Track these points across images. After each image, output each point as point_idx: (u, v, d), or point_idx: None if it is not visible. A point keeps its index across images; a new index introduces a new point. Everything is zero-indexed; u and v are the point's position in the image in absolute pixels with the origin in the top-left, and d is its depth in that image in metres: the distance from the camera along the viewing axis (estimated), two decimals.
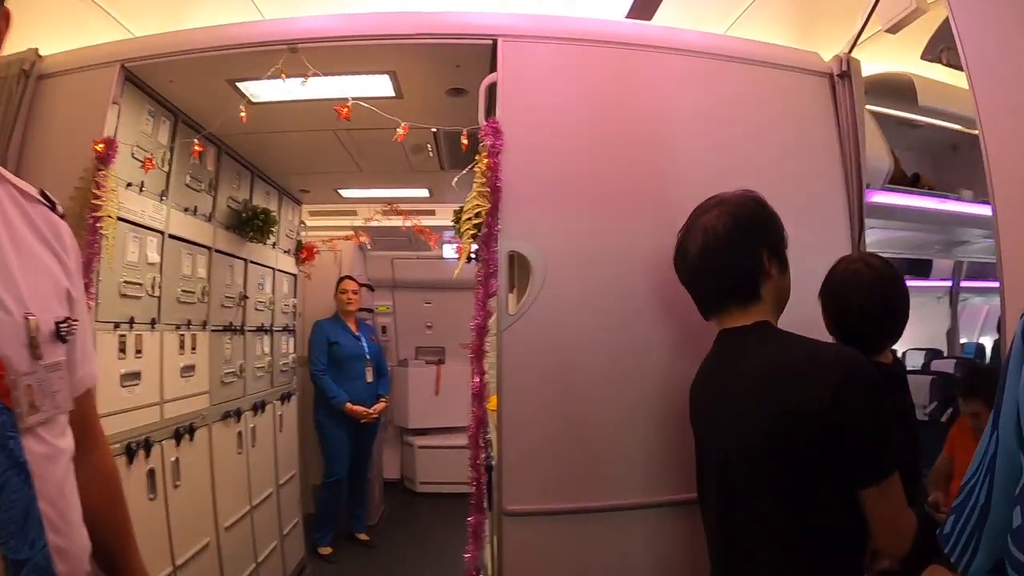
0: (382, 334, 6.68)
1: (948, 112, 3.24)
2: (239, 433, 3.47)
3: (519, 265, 2.16)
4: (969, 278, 6.65)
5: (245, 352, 3.61)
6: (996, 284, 1.61)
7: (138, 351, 2.56)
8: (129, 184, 2.50)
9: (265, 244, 3.82)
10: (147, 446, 2.57)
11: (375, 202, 4.70)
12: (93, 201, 2.25)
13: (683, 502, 2.06)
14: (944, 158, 3.79)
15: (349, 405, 4.64)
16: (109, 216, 2.28)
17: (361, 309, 5.77)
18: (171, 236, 2.80)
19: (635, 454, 2.11)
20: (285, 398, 4.23)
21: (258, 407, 3.74)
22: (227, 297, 3.37)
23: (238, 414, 3.44)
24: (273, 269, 4.07)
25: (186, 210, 2.93)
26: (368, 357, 4.89)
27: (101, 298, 2.36)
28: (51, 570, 0.99)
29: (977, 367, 3.22)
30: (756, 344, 1.49)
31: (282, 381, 4.23)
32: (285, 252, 4.27)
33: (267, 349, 3.98)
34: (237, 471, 3.47)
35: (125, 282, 2.49)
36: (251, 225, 3.47)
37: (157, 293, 2.70)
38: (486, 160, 2.04)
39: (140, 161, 2.54)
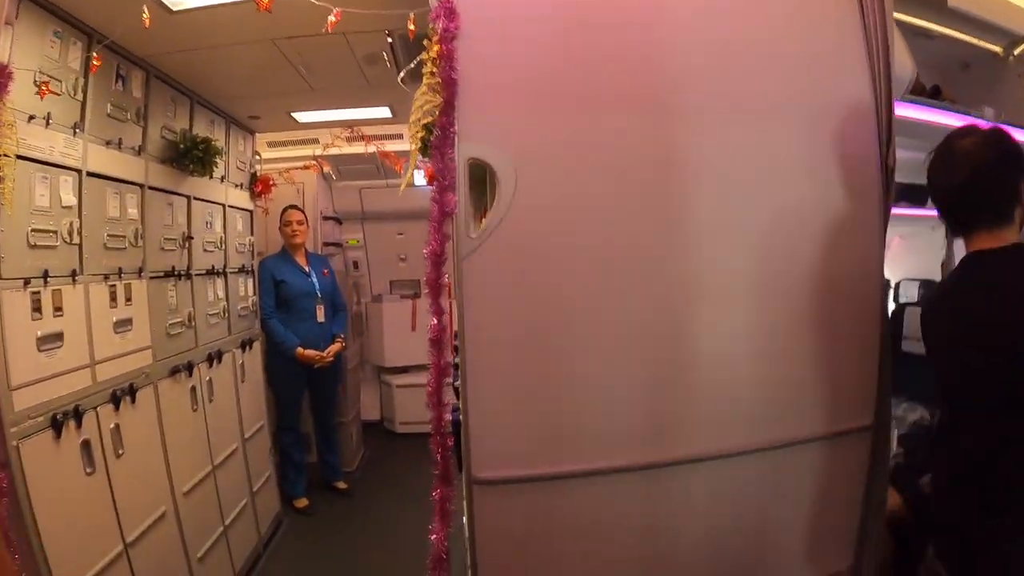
0: (354, 269, 6.33)
1: (978, 18, 2.88)
2: (192, 388, 3.15)
3: (482, 177, 1.82)
4: None
5: (194, 299, 3.25)
6: None
7: (57, 309, 2.20)
8: (32, 117, 2.10)
9: (211, 178, 3.42)
10: (77, 415, 2.25)
11: (335, 125, 4.26)
12: None
13: (674, 462, 1.85)
14: (954, 75, 3.46)
15: (300, 350, 4.29)
16: (5, 155, 1.90)
17: (328, 243, 5.42)
18: (90, 174, 2.40)
19: (622, 407, 1.82)
20: (246, 345, 3.89)
21: (214, 358, 3.40)
22: (167, 239, 2.99)
23: (189, 368, 3.11)
24: (223, 205, 3.67)
25: (108, 143, 2.52)
26: (319, 295, 4.48)
27: (4, 251, 1.99)
28: None
29: None
30: (1015, 266, 1.56)
31: (242, 327, 3.89)
32: (237, 186, 3.87)
33: (221, 293, 3.61)
34: (193, 430, 3.16)
35: (34, 230, 2.11)
36: (190, 157, 3.06)
37: (77, 240, 2.32)
38: (437, 47, 1.65)
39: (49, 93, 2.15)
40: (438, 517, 1.83)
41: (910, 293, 4.95)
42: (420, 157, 1.81)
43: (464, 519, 1.87)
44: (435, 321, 1.77)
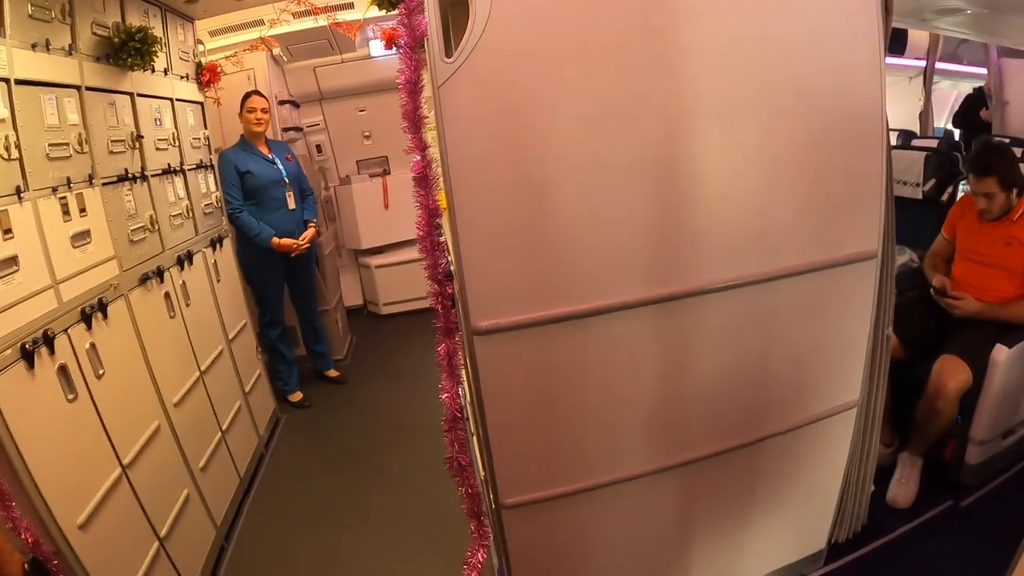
0: (318, 153, 6.11)
1: None
2: (166, 295, 3.05)
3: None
4: (942, 59, 6.18)
5: (153, 201, 3.09)
6: (968, 69, 1.34)
7: (7, 231, 2.05)
8: None
9: (153, 72, 3.18)
10: (48, 340, 2.16)
11: None
12: None
13: (677, 296, 1.84)
14: None
15: (275, 239, 4.17)
16: None
17: (288, 128, 5.19)
18: (20, 82, 2.19)
19: (621, 241, 1.78)
20: (216, 243, 3.77)
21: (184, 260, 3.29)
22: (115, 141, 2.80)
23: (159, 274, 3.00)
24: (171, 100, 3.43)
25: (35, 46, 2.29)
26: (287, 180, 4.31)
27: None
28: None
29: (990, 144, 2.89)
30: None
31: (209, 225, 3.75)
32: (183, 78, 3.61)
33: (181, 192, 3.45)
34: (174, 338, 3.09)
35: None
36: (127, 50, 2.81)
37: (16, 155, 2.14)
38: None
39: None
40: (445, 374, 1.83)
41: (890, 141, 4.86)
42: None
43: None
44: (418, 157, 1.69)
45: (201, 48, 3.90)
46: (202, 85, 3.83)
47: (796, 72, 1.80)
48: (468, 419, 2.18)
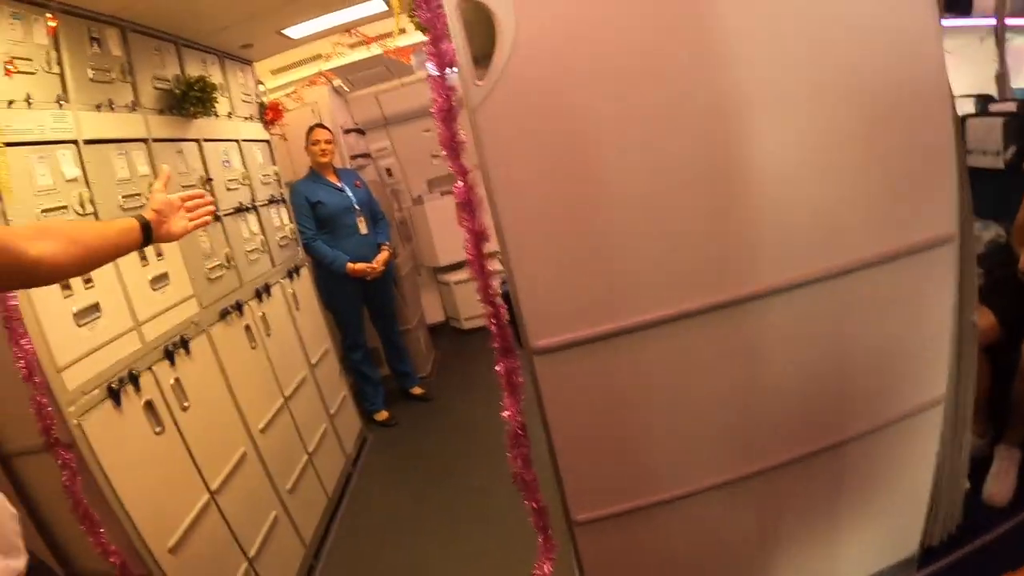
0: (388, 176, 6.26)
1: None
2: (247, 327, 3.19)
3: (480, 22, 1.68)
4: (1013, 15, 5.70)
5: (228, 239, 3.25)
6: None
7: (87, 281, 2.20)
8: (11, 102, 2.05)
9: (216, 117, 3.35)
10: (133, 379, 2.30)
11: (331, 33, 4.07)
12: None
13: (743, 299, 1.76)
14: None
15: (350, 265, 4.29)
16: None
17: (355, 156, 5.34)
18: (88, 141, 2.35)
19: (676, 247, 1.71)
20: (293, 273, 3.92)
21: (262, 292, 3.43)
22: (185, 186, 2.95)
23: (239, 308, 3.14)
24: (237, 141, 3.60)
25: (99, 107, 2.45)
26: (357, 207, 4.43)
27: None
28: None
29: None
30: None
31: (285, 257, 3.90)
32: (246, 119, 3.79)
33: (255, 228, 3.60)
34: (257, 367, 3.23)
35: (44, 211, 2.09)
36: (188, 99, 2.98)
37: (90, 209, 2.30)
38: None
39: (24, 73, 2.11)
40: (507, 392, 1.82)
41: (966, 108, 4.55)
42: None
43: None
44: (460, 183, 1.68)
45: (262, 88, 4.07)
46: (266, 124, 3.99)
47: (846, 51, 1.70)
48: None
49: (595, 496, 1.91)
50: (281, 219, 4.00)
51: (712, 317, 1.76)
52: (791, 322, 1.82)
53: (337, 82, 5.03)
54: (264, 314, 3.40)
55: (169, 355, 2.53)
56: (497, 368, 1.82)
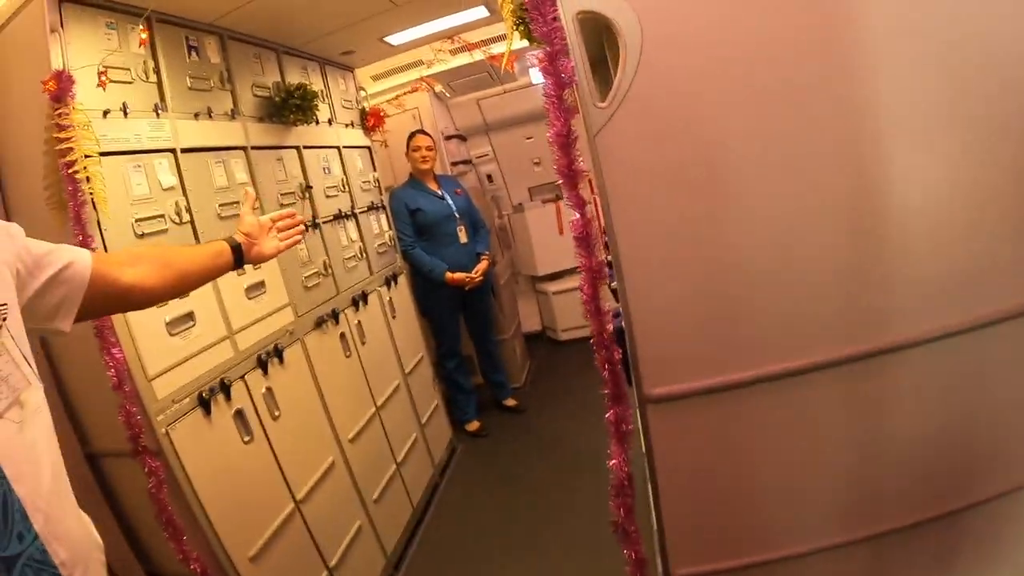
0: (489, 183, 6.21)
1: None
2: (341, 335, 3.18)
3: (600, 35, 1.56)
4: None
5: (326, 246, 3.25)
6: None
7: None
8: (107, 112, 2.08)
9: (317, 124, 3.35)
10: (225, 388, 2.30)
11: (433, 40, 4.03)
12: (58, 147, 1.88)
13: (882, 351, 1.55)
14: None
15: (448, 274, 4.21)
16: (89, 155, 1.92)
17: (456, 162, 5.30)
18: (185, 150, 2.37)
19: (811, 291, 1.53)
20: (391, 280, 3.89)
21: (359, 300, 3.42)
22: (284, 194, 2.96)
23: (335, 316, 3.13)
24: (337, 148, 3.61)
25: (197, 115, 2.48)
26: (457, 215, 4.35)
27: (112, 247, 2.00)
28: (49, 561, 0.95)
29: None
30: None
31: (383, 264, 3.88)
32: (347, 126, 3.78)
33: (354, 235, 3.60)
34: (349, 376, 3.21)
35: (139, 219, 2.11)
36: (288, 107, 2.98)
37: (187, 217, 2.31)
38: None
39: (116, 83, 2.13)
40: (615, 441, 1.68)
41: None
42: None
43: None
44: (577, 215, 1.55)
45: (363, 94, 4.07)
46: (367, 130, 3.99)
47: (1005, 77, 1.48)
48: None
49: (698, 551, 1.75)
50: (380, 226, 3.99)
51: (841, 370, 1.57)
52: (924, 377, 1.60)
53: (438, 88, 5.00)
54: (360, 322, 3.38)
55: (262, 364, 2.52)
56: (607, 416, 1.67)
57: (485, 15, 3.71)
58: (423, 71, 4.60)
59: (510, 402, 4.79)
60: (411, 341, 4.02)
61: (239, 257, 1.71)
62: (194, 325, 2.24)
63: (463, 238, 4.35)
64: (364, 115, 3.97)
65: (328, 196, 3.39)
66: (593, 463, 3.72)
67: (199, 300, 2.27)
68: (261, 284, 2.65)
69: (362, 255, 3.63)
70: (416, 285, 4.31)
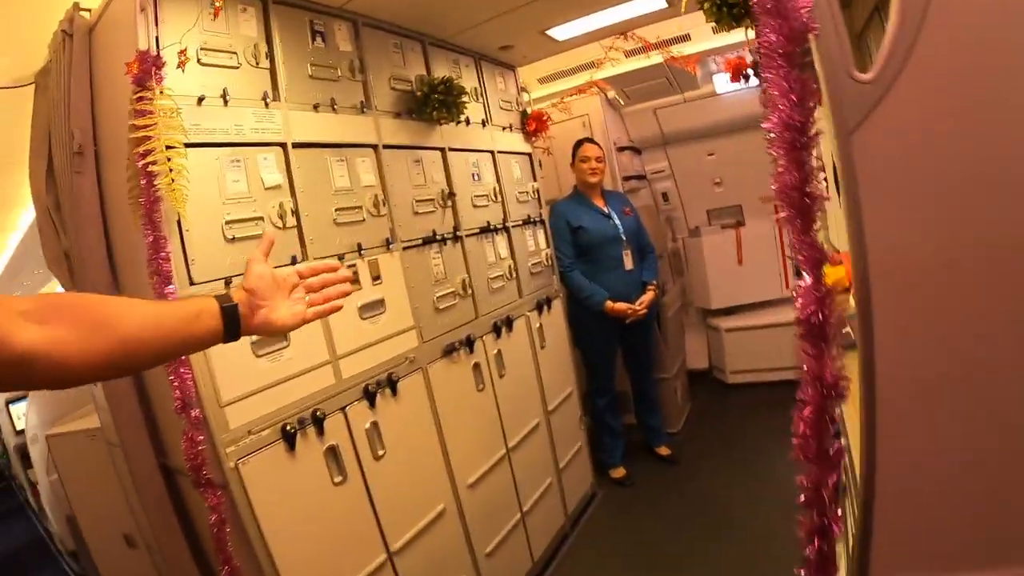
0: (664, 202, 5.65)
1: None
2: (475, 366, 2.78)
3: None
4: None
5: (467, 263, 2.87)
6: None
7: None
8: (202, 98, 1.81)
9: (468, 124, 3.00)
10: (318, 421, 1.95)
11: (602, 36, 3.54)
12: (133, 135, 1.61)
13: None
14: None
15: (609, 303, 3.68)
16: (172, 146, 1.64)
17: (628, 177, 4.81)
18: (298, 145, 2.07)
19: None
20: (543, 305, 3.45)
21: (501, 326, 3.01)
22: (420, 201, 2.62)
23: (470, 343, 2.74)
24: (491, 152, 3.24)
25: (316, 107, 2.17)
26: (624, 238, 3.82)
27: (194, 253, 1.73)
28: None
29: None
30: None
31: (536, 286, 3.45)
32: (504, 129, 3.40)
33: (503, 252, 3.20)
34: (479, 413, 2.81)
35: (230, 222, 1.82)
36: (430, 103, 2.63)
37: (292, 222, 2.00)
38: None
39: (217, 67, 1.88)
40: None
41: None
42: None
43: None
44: (806, 279, 0.96)
45: (526, 97, 3.68)
46: (528, 135, 3.59)
47: None
48: None
49: None
50: (537, 242, 3.58)
51: None
52: None
53: (611, 93, 4.53)
54: (500, 351, 2.98)
55: (369, 395, 2.18)
56: None
57: (662, 6, 3.21)
58: (594, 73, 4.14)
59: (663, 450, 4.18)
60: (560, 374, 3.56)
61: (233, 324, 1.09)
62: (287, 346, 1.92)
63: (628, 264, 3.82)
64: (525, 118, 3.57)
65: (476, 206, 3.02)
66: (744, 532, 3.12)
67: None
68: (380, 303, 2.31)
69: (512, 275, 3.23)
70: (571, 311, 3.83)
